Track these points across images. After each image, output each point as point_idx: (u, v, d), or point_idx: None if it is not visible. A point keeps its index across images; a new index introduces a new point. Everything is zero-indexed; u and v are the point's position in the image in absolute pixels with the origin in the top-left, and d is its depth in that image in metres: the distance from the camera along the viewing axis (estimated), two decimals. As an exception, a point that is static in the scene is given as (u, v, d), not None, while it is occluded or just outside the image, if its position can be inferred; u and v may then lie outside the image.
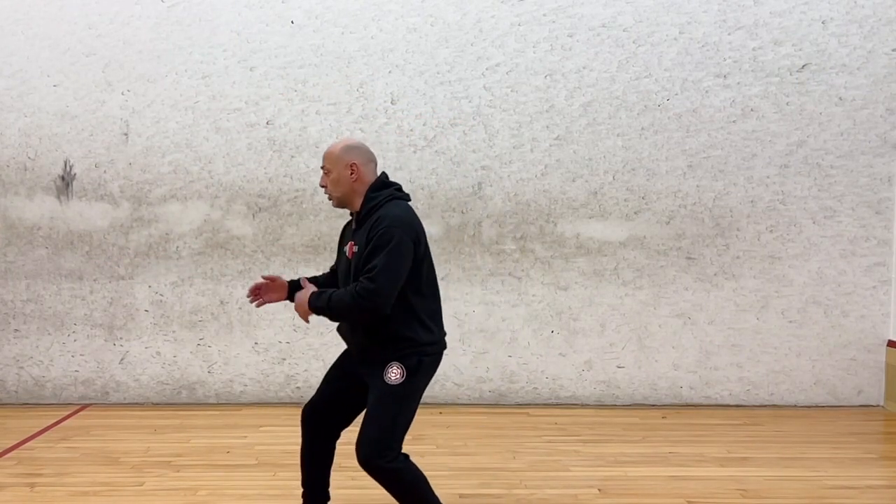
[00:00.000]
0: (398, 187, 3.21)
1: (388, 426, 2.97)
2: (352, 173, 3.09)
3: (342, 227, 3.39)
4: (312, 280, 3.34)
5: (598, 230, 5.85)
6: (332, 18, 5.78)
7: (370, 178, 3.14)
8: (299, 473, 4.20)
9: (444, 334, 3.21)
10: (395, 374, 2.99)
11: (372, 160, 3.19)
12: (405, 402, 3.02)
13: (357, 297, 2.86)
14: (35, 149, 5.77)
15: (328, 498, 3.48)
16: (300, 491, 3.94)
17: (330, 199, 3.17)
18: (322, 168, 3.16)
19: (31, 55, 5.75)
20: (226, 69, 5.77)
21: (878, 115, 5.81)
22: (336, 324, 3.30)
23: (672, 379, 5.88)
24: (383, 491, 4.00)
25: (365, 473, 3.95)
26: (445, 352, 3.25)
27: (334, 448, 3.38)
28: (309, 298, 3.00)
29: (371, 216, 3.03)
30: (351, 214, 3.23)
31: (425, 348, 3.04)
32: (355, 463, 4.58)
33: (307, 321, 3.12)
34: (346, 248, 3.14)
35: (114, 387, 5.85)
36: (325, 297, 2.96)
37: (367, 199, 3.09)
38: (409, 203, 3.20)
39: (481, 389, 5.88)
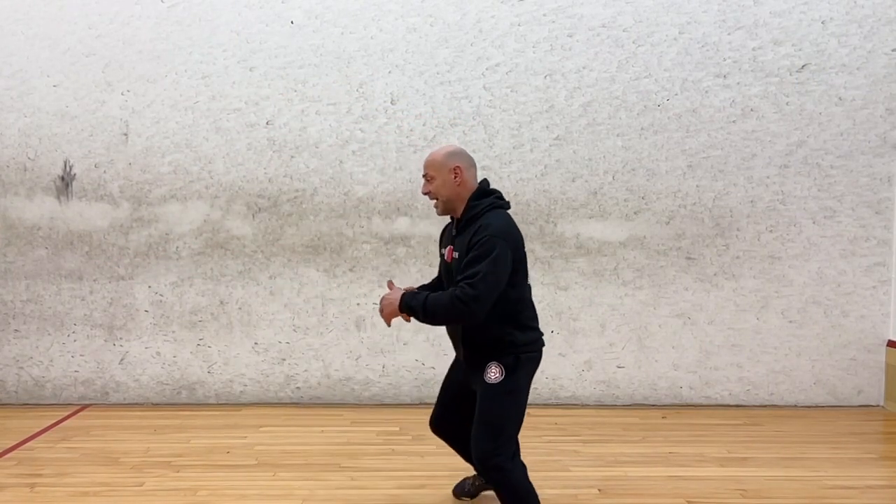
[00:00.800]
0: (499, 195, 3.26)
1: (495, 424, 3.07)
2: (455, 177, 3.17)
3: (441, 228, 3.44)
4: (422, 287, 3.46)
5: (598, 230, 5.85)
6: (331, 18, 5.78)
7: (473, 184, 3.22)
8: (299, 473, 4.22)
9: (542, 334, 3.29)
10: (493, 373, 3.10)
11: (473, 165, 3.26)
12: (508, 399, 3.10)
13: (456, 300, 2.92)
14: (35, 149, 5.77)
15: None
16: (300, 491, 3.96)
17: (436, 206, 3.25)
18: (424, 176, 3.23)
19: (31, 55, 5.75)
20: (226, 69, 5.77)
21: (877, 115, 5.81)
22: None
23: (672, 379, 5.89)
24: (382, 491, 4.01)
25: (364, 474, 3.96)
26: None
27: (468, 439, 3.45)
28: (402, 298, 3.07)
29: (473, 224, 3.11)
30: (451, 219, 3.30)
31: (522, 349, 3.14)
32: (355, 463, 4.59)
33: (389, 324, 3.19)
34: (445, 252, 3.25)
35: (114, 387, 5.85)
36: (420, 298, 3.03)
37: (468, 206, 3.17)
38: (509, 211, 3.26)
39: (481, 389, 5.88)
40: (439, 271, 3.49)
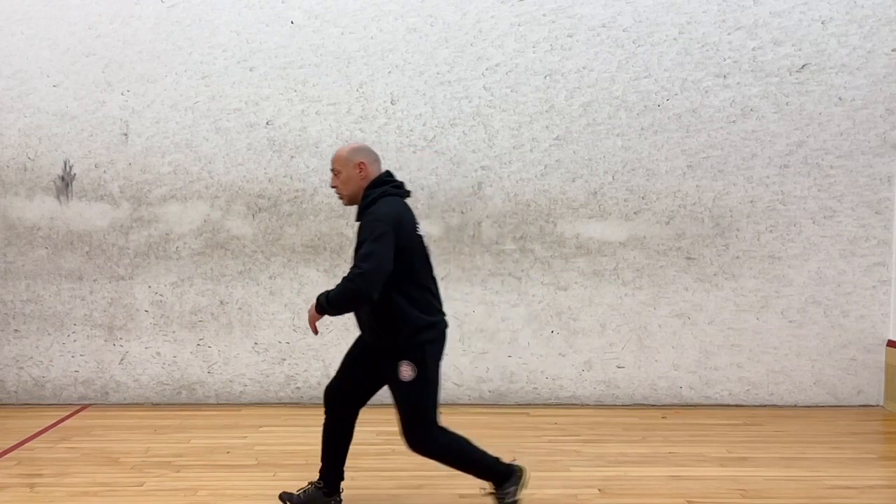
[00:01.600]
0: (396, 184, 3.43)
1: (420, 414, 3.33)
2: (360, 171, 3.36)
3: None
4: None
5: (598, 230, 5.85)
6: (331, 19, 5.78)
7: (374, 177, 3.40)
8: (299, 474, 4.22)
9: (444, 315, 3.47)
10: (406, 372, 3.29)
11: (377, 160, 3.46)
12: (425, 389, 3.33)
13: (347, 282, 3.13)
14: (35, 149, 5.77)
15: (342, 477, 3.69)
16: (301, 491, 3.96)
17: (341, 198, 3.44)
18: (332, 171, 3.42)
19: (31, 55, 5.75)
20: (225, 69, 5.77)
21: (877, 115, 5.81)
22: (336, 322, 3.38)
23: (672, 379, 5.89)
24: (382, 491, 4.02)
25: (363, 474, 3.96)
26: (446, 352, 3.54)
27: (352, 428, 3.64)
28: (317, 305, 3.26)
29: (365, 212, 3.30)
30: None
31: (425, 333, 3.31)
32: (355, 463, 4.58)
33: (315, 331, 3.35)
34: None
35: (114, 387, 5.85)
36: (323, 295, 3.22)
37: (364, 195, 3.36)
38: (406, 199, 3.44)
39: (481, 389, 5.88)
40: None
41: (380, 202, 3.28)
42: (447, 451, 3.40)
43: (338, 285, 3.17)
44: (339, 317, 5.78)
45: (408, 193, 3.47)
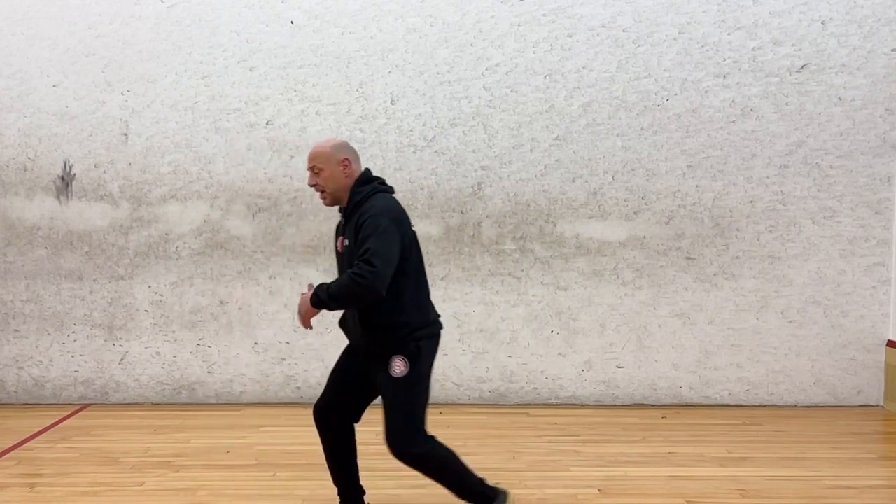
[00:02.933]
0: (381, 181, 3.34)
1: (408, 414, 3.16)
2: (344, 169, 3.23)
3: (335, 225, 3.46)
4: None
5: (598, 230, 5.85)
6: (331, 19, 5.78)
7: (357, 174, 3.28)
8: (299, 473, 4.22)
9: (438, 315, 3.35)
10: (398, 367, 3.15)
11: (358, 157, 3.36)
12: (416, 387, 3.18)
13: (355, 276, 2.97)
14: (35, 149, 5.77)
15: (363, 491, 3.57)
16: (300, 491, 3.96)
17: (323, 197, 3.29)
18: (311, 168, 3.26)
19: (30, 55, 5.75)
20: (225, 69, 5.77)
21: (877, 116, 5.81)
22: (337, 321, 3.33)
23: (672, 379, 5.89)
24: (382, 491, 4.01)
25: (364, 474, 3.94)
26: (445, 352, 3.38)
27: (354, 442, 3.51)
28: (311, 296, 3.11)
29: (357, 210, 3.18)
30: (340, 211, 3.34)
31: (420, 332, 3.19)
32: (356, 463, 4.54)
33: (308, 326, 3.23)
34: (338, 243, 3.30)
35: (113, 387, 5.85)
36: (324, 288, 3.09)
37: (352, 193, 3.24)
38: (394, 195, 3.34)
39: (481, 389, 5.88)
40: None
41: (374, 197, 3.18)
42: (431, 460, 3.22)
43: (341, 279, 3.05)
44: (338, 317, 5.80)
45: (393, 190, 3.37)
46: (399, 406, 3.16)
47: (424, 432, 3.21)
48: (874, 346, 5.87)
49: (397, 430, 3.16)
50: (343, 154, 3.23)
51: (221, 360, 5.85)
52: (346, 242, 3.19)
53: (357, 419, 3.47)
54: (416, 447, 3.17)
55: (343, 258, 3.25)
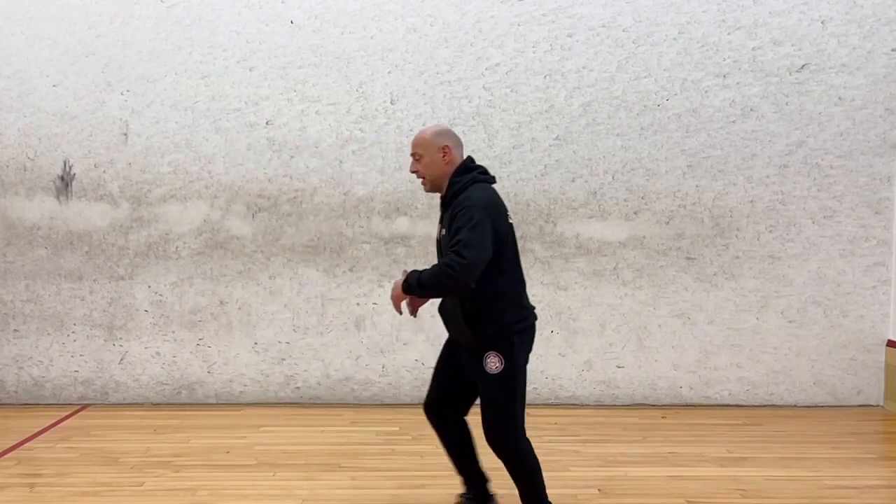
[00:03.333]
0: (482, 170, 3.31)
1: (504, 410, 3.15)
2: (444, 156, 3.22)
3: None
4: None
5: (598, 230, 5.85)
6: (331, 18, 5.78)
7: (459, 162, 3.26)
8: (298, 473, 4.22)
9: (533, 307, 3.33)
10: (493, 363, 3.13)
11: (460, 144, 3.32)
12: (511, 383, 3.15)
13: (445, 267, 2.96)
14: (34, 149, 5.77)
15: (486, 477, 3.55)
16: (300, 491, 3.96)
17: (423, 184, 3.30)
18: (413, 154, 3.28)
19: (30, 55, 5.75)
20: (225, 69, 5.77)
21: (877, 115, 5.81)
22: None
23: (672, 379, 5.89)
24: (383, 491, 4.01)
25: (364, 474, 3.95)
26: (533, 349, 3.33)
27: (468, 431, 3.48)
28: (402, 283, 3.11)
29: (454, 200, 3.16)
30: (441, 200, 3.32)
31: (514, 326, 3.16)
32: (355, 463, 4.58)
33: (399, 310, 3.22)
34: (437, 233, 3.30)
35: (113, 387, 5.85)
36: (415, 275, 3.07)
37: (451, 183, 3.23)
38: (492, 185, 3.30)
39: (481, 389, 5.88)
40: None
41: (471, 188, 3.15)
42: (525, 459, 3.20)
43: (433, 268, 3.02)
44: (338, 318, 5.82)
45: (494, 179, 3.33)
46: (494, 402, 3.15)
47: (521, 429, 3.21)
48: (874, 345, 5.87)
49: (493, 425, 3.15)
50: (444, 141, 3.22)
51: (221, 360, 5.85)
52: (444, 232, 3.17)
53: (465, 411, 3.47)
54: (511, 442, 3.16)
55: (440, 247, 3.25)
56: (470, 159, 3.30)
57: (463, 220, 3.01)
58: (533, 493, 3.25)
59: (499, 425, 3.15)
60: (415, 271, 3.10)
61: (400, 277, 3.17)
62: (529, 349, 3.27)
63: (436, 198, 5.79)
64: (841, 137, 5.82)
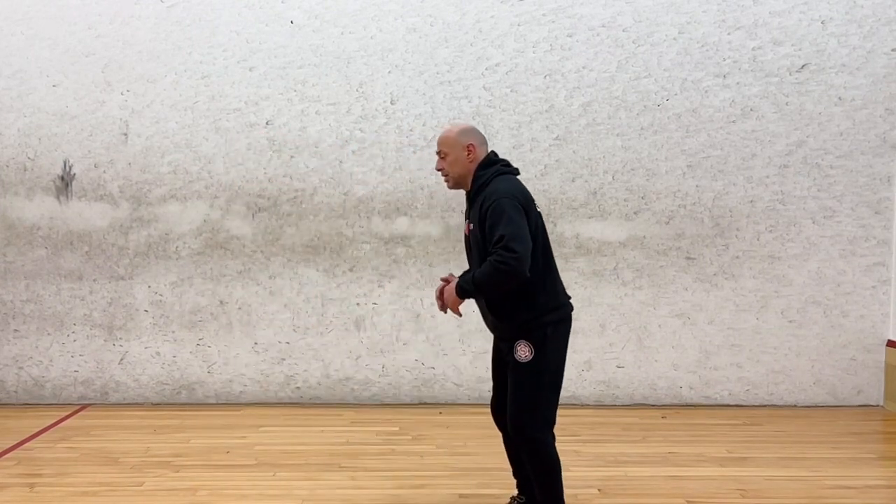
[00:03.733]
0: (505, 163, 3.33)
1: (527, 400, 3.11)
2: (469, 154, 3.25)
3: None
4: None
5: (598, 230, 5.85)
6: (331, 18, 5.78)
7: (482, 158, 3.29)
8: (298, 473, 4.22)
9: (569, 297, 3.32)
10: (523, 352, 3.11)
11: (485, 142, 3.36)
12: (540, 376, 3.12)
13: (497, 264, 2.95)
14: (34, 149, 5.77)
15: None
16: (300, 491, 3.96)
17: (446, 181, 3.33)
18: (438, 153, 3.31)
19: (30, 55, 5.75)
20: (225, 69, 5.77)
21: (877, 115, 5.81)
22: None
23: (672, 379, 5.88)
24: (382, 491, 4.01)
25: (364, 474, 3.95)
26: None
27: None
28: (456, 286, 3.12)
29: (480, 194, 3.17)
30: (467, 195, 3.33)
31: (548, 316, 3.14)
32: (355, 463, 4.58)
33: (458, 313, 3.22)
34: (466, 228, 3.30)
35: (113, 387, 5.85)
36: (468, 278, 3.08)
37: (475, 177, 3.25)
38: (517, 176, 3.31)
39: (481, 389, 5.87)
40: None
41: (496, 180, 3.17)
42: (545, 451, 3.15)
43: (484, 268, 3.00)
44: (338, 318, 5.82)
45: (518, 171, 3.34)
46: (521, 389, 3.11)
47: (547, 421, 3.17)
48: (874, 345, 5.87)
49: (516, 411, 3.13)
50: (468, 139, 3.25)
51: (221, 360, 5.85)
52: (472, 226, 3.18)
53: None
54: (532, 430, 3.12)
55: (469, 242, 3.26)
56: (493, 153, 3.32)
57: (496, 217, 3.01)
58: (549, 491, 3.20)
59: (520, 413, 3.12)
60: (465, 274, 3.12)
61: (441, 284, 3.20)
62: (566, 342, 3.24)
63: (435, 197, 5.80)
64: (841, 137, 5.82)
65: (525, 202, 3.11)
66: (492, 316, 3.21)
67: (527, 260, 2.97)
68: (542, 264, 3.16)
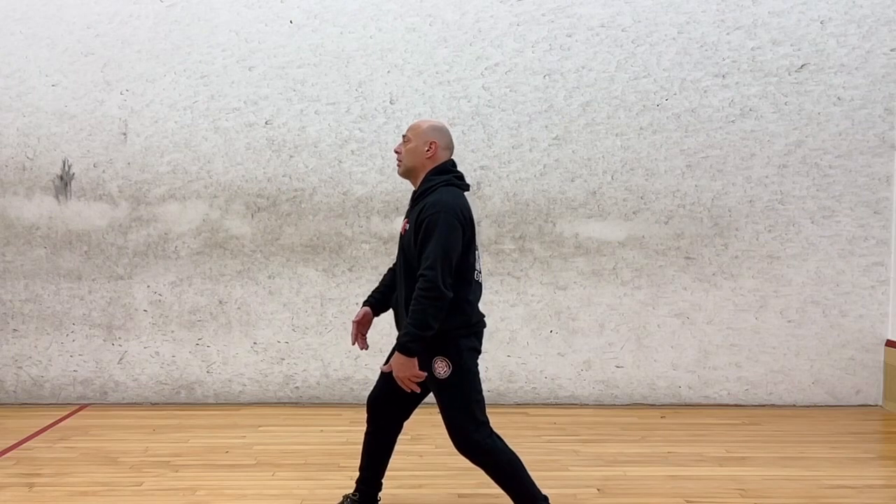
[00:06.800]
0: (458, 175, 3.31)
1: (461, 411, 3.13)
2: (428, 150, 3.24)
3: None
4: (372, 300, 3.47)
5: (597, 230, 5.85)
6: (330, 18, 5.78)
7: (440, 162, 3.27)
8: (297, 473, 4.22)
9: (482, 316, 3.29)
10: (441, 367, 3.11)
11: (450, 148, 3.33)
12: (463, 386, 3.14)
13: (425, 293, 2.97)
14: (34, 148, 5.77)
15: (380, 488, 3.57)
16: (299, 491, 3.96)
17: (398, 165, 3.32)
18: (403, 136, 3.31)
19: (29, 55, 5.74)
20: (224, 69, 5.77)
21: (876, 115, 5.82)
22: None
23: (671, 379, 5.89)
24: (382, 491, 4.00)
25: (361, 475, 3.92)
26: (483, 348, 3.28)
27: (395, 440, 3.50)
28: (399, 349, 3.05)
29: (424, 198, 3.16)
30: (412, 195, 3.32)
31: (459, 331, 3.14)
32: (354, 463, 4.59)
33: (417, 389, 3.13)
34: (402, 226, 3.29)
35: (112, 387, 5.85)
36: (403, 334, 3.04)
37: (425, 180, 3.24)
38: (464, 192, 3.28)
39: (480, 389, 5.88)
40: (391, 268, 3.52)
41: (441, 191, 3.14)
42: (497, 458, 3.16)
43: (414, 303, 2.98)
44: (337, 318, 5.82)
45: (468, 187, 3.32)
46: (450, 404, 3.14)
47: (485, 424, 3.18)
48: (873, 345, 5.88)
49: (456, 425, 3.14)
50: (434, 137, 3.24)
51: (220, 359, 5.85)
52: (408, 227, 3.18)
53: (407, 415, 3.47)
54: (476, 443, 3.13)
55: (402, 241, 3.24)
56: (451, 162, 3.30)
57: (430, 229, 3.02)
58: (520, 491, 3.20)
59: (459, 426, 3.14)
60: (399, 336, 3.06)
61: (392, 367, 3.08)
62: (477, 351, 3.22)
63: (435, 197, 5.79)
64: (840, 137, 5.82)
65: (463, 220, 3.10)
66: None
67: (447, 279, 2.99)
68: (461, 281, 3.13)
